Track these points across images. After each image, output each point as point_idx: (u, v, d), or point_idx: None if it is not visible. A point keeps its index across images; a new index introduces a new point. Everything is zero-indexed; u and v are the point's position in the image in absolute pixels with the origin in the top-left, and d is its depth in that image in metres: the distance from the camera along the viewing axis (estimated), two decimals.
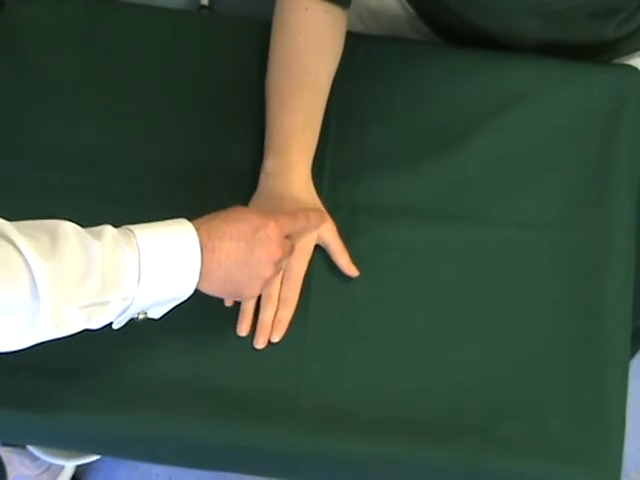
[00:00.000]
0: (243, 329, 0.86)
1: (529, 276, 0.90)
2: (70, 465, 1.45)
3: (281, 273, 0.86)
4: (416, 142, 0.94)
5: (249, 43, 0.96)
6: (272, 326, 0.86)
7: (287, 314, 0.86)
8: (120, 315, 0.70)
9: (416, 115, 0.95)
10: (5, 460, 1.39)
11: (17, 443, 1.36)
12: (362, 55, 0.96)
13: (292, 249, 0.83)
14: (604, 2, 0.91)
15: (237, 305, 0.86)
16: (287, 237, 0.81)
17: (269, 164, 0.88)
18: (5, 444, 1.38)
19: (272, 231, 0.77)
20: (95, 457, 1.46)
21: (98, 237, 0.67)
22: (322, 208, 0.88)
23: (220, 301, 0.86)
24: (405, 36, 1.10)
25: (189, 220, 0.73)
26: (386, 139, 0.94)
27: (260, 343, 0.85)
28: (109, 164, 0.91)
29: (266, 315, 0.85)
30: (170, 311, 0.75)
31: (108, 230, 0.68)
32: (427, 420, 0.84)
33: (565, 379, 0.86)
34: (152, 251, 0.69)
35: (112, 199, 0.86)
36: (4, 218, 0.64)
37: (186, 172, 0.91)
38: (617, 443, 0.85)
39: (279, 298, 0.86)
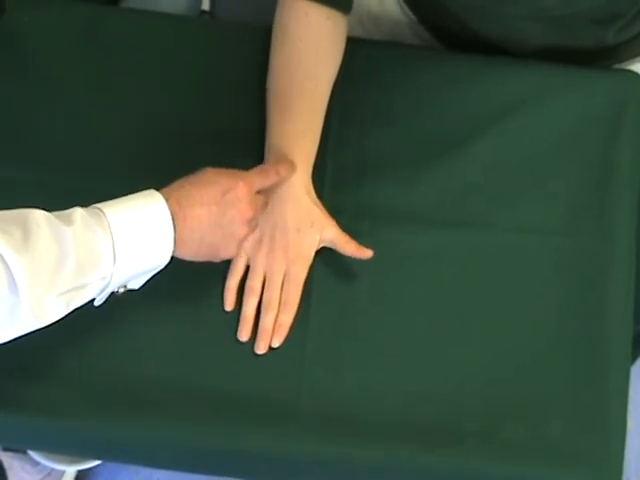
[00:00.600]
0: (244, 334, 0.86)
1: (531, 280, 0.90)
2: (71, 470, 1.45)
3: (281, 277, 0.86)
4: (417, 147, 0.94)
5: (250, 48, 0.96)
6: (273, 331, 0.86)
7: (288, 319, 0.86)
8: (100, 293, 0.71)
9: (417, 120, 0.95)
10: (6, 465, 1.39)
11: (18, 448, 1.36)
12: (363, 60, 0.96)
13: (265, 204, 0.84)
14: (605, 8, 0.91)
15: (238, 309, 0.86)
16: (259, 192, 0.82)
17: None
18: (6, 449, 1.38)
19: (241, 191, 0.78)
20: (96, 462, 1.46)
21: (69, 222, 0.67)
22: (325, 213, 0.88)
23: (221, 306, 0.86)
24: (406, 41, 1.10)
25: (158, 190, 0.74)
26: (387, 144, 0.94)
27: (261, 348, 0.85)
28: (109, 166, 0.91)
29: (267, 320, 0.85)
30: (150, 281, 0.76)
31: (77, 213, 0.69)
32: (428, 423, 0.84)
33: (566, 382, 0.86)
34: (124, 228, 0.70)
35: (112, 199, 0.86)
36: None
37: (186, 175, 0.91)
38: (618, 446, 0.85)
39: (280, 303, 0.86)
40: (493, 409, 0.85)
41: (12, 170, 0.90)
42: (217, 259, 0.82)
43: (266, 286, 0.86)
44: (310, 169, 0.89)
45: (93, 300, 0.72)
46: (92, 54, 0.96)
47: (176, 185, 0.76)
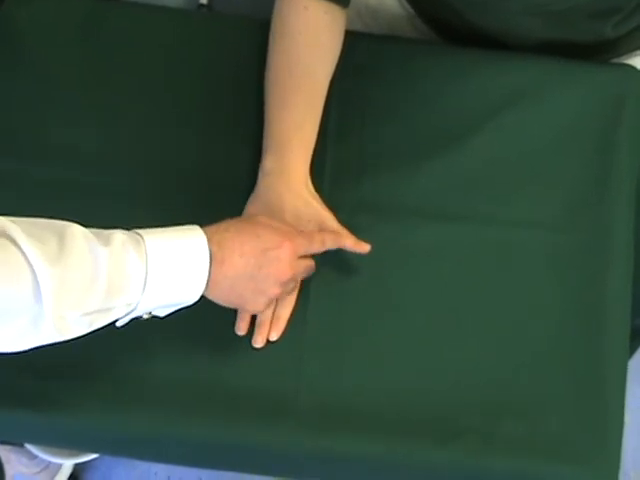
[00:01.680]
0: (241, 328, 0.86)
1: (529, 276, 0.90)
2: (68, 463, 1.46)
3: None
4: (416, 141, 0.94)
5: (248, 42, 0.96)
6: (270, 324, 0.86)
7: (285, 312, 0.86)
8: (124, 317, 0.70)
9: (416, 114, 0.95)
10: (3, 459, 1.39)
11: (15, 441, 1.36)
12: (361, 54, 0.96)
13: (310, 268, 0.84)
14: (603, 2, 0.91)
15: None
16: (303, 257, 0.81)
17: (267, 163, 0.88)
18: (3, 442, 1.38)
19: (284, 252, 0.77)
20: (93, 456, 1.46)
21: (107, 242, 0.66)
22: (323, 206, 0.88)
23: None
24: (404, 35, 1.10)
25: (201, 227, 0.73)
26: (386, 138, 0.94)
27: (259, 342, 0.85)
28: (109, 162, 0.91)
29: (264, 313, 0.85)
30: (176, 310, 0.75)
31: (118, 235, 0.67)
32: (427, 420, 0.84)
33: (565, 379, 0.86)
34: (160, 258, 0.68)
35: (112, 197, 0.86)
36: (4, 216, 0.64)
37: (185, 171, 0.91)
38: (616, 442, 0.85)
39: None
40: (492, 405, 0.85)
41: (11, 164, 0.90)
42: (243, 310, 0.82)
43: None
44: (308, 162, 0.89)
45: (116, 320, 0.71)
46: (90, 48, 0.95)
47: (222, 227, 0.75)
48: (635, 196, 0.94)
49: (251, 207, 0.87)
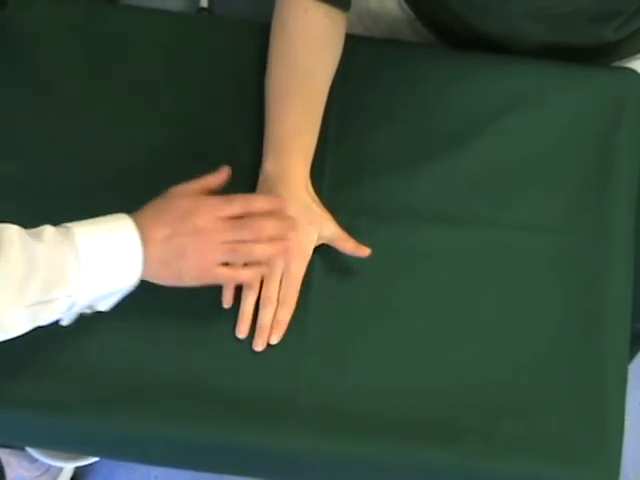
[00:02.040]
0: (242, 331, 0.86)
1: (529, 279, 0.90)
2: (69, 467, 1.45)
3: (280, 274, 0.86)
4: (417, 144, 0.94)
5: (248, 45, 0.96)
6: (271, 327, 0.86)
7: (286, 315, 0.86)
8: (68, 311, 0.73)
9: (416, 118, 0.95)
10: (4, 462, 1.39)
11: (15, 445, 1.36)
12: (362, 57, 0.96)
13: (258, 229, 0.80)
14: (604, 5, 0.91)
15: (236, 307, 0.86)
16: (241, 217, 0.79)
17: (268, 166, 0.88)
18: (3, 446, 1.38)
19: (202, 215, 0.77)
20: (94, 459, 1.46)
21: (39, 238, 0.70)
22: (323, 209, 0.88)
23: (219, 303, 0.86)
24: (405, 38, 1.10)
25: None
26: (386, 141, 0.94)
27: (259, 345, 0.85)
28: (108, 163, 0.91)
29: (265, 317, 0.85)
30: (118, 303, 0.77)
31: (48, 230, 0.71)
32: (427, 421, 0.84)
33: (565, 381, 0.86)
34: (91, 245, 0.71)
35: (111, 199, 0.86)
36: (4, 219, 0.65)
37: (185, 173, 0.91)
38: (616, 444, 0.85)
39: (278, 299, 0.86)
40: (492, 406, 0.85)
41: (10, 168, 0.90)
42: (183, 283, 0.81)
43: (264, 283, 0.86)
44: (308, 165, 0.89)
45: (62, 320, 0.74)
46: (90, 51, 0.95)
47: (142, 210, 0.78)
48: (636, 199, 0.94)
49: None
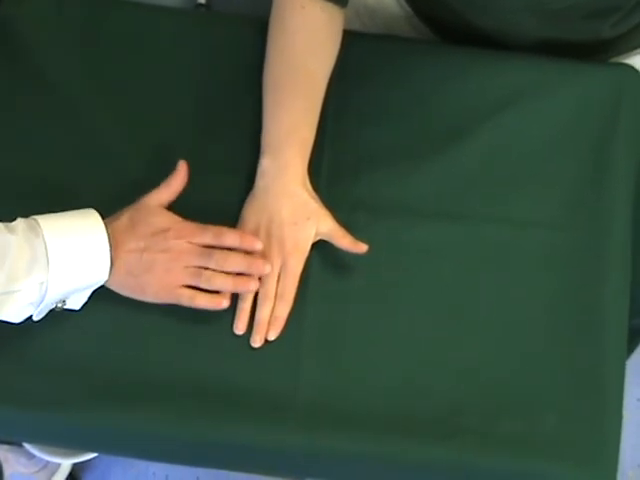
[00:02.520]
0: (240, 327, 0.85)
1: (526, 275, 0.90)
2: (67, 463, 1.45)
3: (277, 270, 0.86)
4: (414, 140, 0.94)
5: (247, 41, 0.95)
6: (269, 324, 0.86)
7: (284, 311, 0.86)
8: (38, 305, 0.74)
9: (414, 113, 0.95)
10: (1, 458, 1.39)
11: (13, 441, 1.36)
12: (359, 53, 0.96)
13: (221, 259, 0.82)
14: (601, 1, 0.91)
15: (233, 304, 0.86)
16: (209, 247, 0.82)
17: (265, 162, 0.88)
18: (1, 442, 1.38)
19: (172, 235, 0.81)
20: (92, 455, 1.46)
21: (13, 231, 0.72)
22: (321, 205, 0.88)
23: None
24: (402, 34, 1.10)
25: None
26: (383, 137, 0.93)
27: (257, 341, 0.85)
28: (107, 162, 0.91)
29: (263, 313, 0.85)
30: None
31: (18, 222, 0.73)
32: (425, 418, 0.84)
33: (562, 378, 0.86)
34: (58, 236, 0.74)
35: (111, 199, 0.86)
36: (4, 218, 0.66)
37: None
38: (614, 439, 0.85)
39: (276, 296, 0.86)
40: (490, 404, 0.85)
41: (10, 167, 0.90)
42: (144, 297, 0.82)
43: (262, 279, 0.85)
44: (306, 161, 0.89)
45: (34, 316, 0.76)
46: (88, 47, 0.95)
47: (116, 215, 0.81)
48: (632, 195, 0.94)
49: (249, 206, 0.87)
